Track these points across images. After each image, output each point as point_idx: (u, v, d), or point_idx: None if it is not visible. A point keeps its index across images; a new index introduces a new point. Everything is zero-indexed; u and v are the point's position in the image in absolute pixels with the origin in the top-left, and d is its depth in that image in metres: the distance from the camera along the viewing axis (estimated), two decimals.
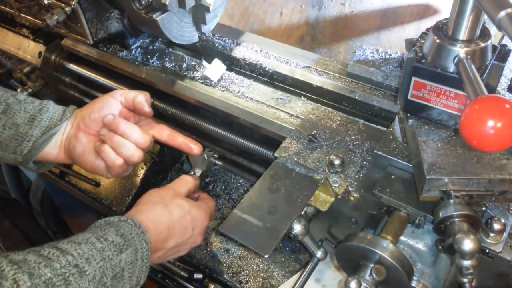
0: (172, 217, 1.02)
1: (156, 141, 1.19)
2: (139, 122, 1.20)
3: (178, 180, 1.14)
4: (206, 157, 1.30)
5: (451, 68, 0.86)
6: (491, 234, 0.87)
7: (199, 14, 1.33)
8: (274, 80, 1.38)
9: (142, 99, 1.15)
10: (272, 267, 1.35)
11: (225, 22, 1.81)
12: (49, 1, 1.40)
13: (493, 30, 0.88)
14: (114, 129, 1.09)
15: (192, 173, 1.30)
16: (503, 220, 0.89)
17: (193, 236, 1.07)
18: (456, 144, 0.91)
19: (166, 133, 1.17)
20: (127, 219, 0.93)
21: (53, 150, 1.14)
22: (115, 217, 0.94)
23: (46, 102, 1.14)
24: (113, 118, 1.10)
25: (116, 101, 1.15)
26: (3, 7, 1.61)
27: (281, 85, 1.37)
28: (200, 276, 1.44)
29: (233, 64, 1.44)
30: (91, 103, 1.16)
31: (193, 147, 1.17)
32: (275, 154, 1.10)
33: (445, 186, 0.86)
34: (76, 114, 1.16)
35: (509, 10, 0.66)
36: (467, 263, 0.80)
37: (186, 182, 1.14)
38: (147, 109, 1.15)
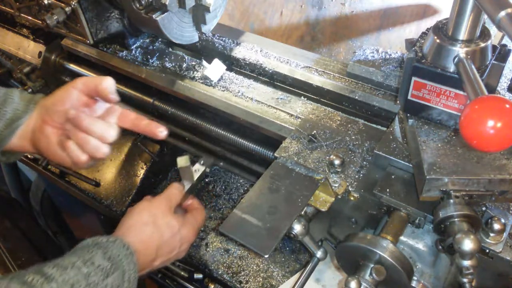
0: (162, 238, 1.01)
1: (156, 141, 1.18)
2: (105, 106, 1.13)
3: (166, 193, 1.10)
4: (194, 170, 1.20)
5: (451, 68, 0.86)
6: (491, 234, 0.87)
7: (199, 14, 1.33)
8: (274, 80, 1.38)
9: (105, 86, 1.06)
10: (272, 267, 1.35)
11: (225, 22, 1.81)
12: (49, 1, 1.40)
13: (493, 30, 0.88)
14: (77, 125, 1.04)
15: (182, 184, 1.19)
16: (503, 220, 0.89)
17: (179, 253, 1.07)
18: (456, 144, 0.91)
19: (130, 119, 1.10)
20: (116, 240, 0.92)
21: (19, 141, 1.11)
22: (104, 237, 0.92)
23: (11, 92, 1.09)
24: (76, 113, 1.04)
25: (78, 91, 1.09)
26: (3, 7, 1.61)
27: (281, 85, 1.37)
28: (200, 276, 1.44)
29: (233, 64, 1.44)
30: (54, 93, 1.10)
31: (159, 130, 1.08)
32: (275, 154, 1.10)
33: (445, 186, 0.86)
34: (41, 104, 1.11)
35: (509, 10, 0.66)
36: (467, 263, 0.80)
37: (174, 195, 1.11)
38: (112, 96, 1.07)
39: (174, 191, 1.11)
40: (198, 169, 1.19)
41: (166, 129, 1.09)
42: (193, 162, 1.19)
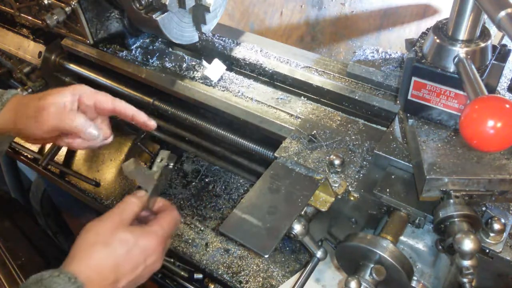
0: (116, 257, 0.89)
1: (156, 141, 1.16)
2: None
3: (120, 205, 0.98)
4: (155, 169, 1.06)
5: (451, 68, 0.86)
6: (491, 234, 0.87)
7: (199, 14, 1.33)
8: (274, 80, 1.38)
9: (88, 137, 1.05)
10: (272, 267, 1.35)
11: (225, 22, 1.81)
12: (49, 1, 1.40)
13: (493, 30, 0.88)
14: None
15: (144, 189, 1.06)
16: (503, 220, 0.89)
17: (148, 266, 0.95)
18: (456, 144, 0.91)
19: (109, 108, 1.09)
20: (60, 274, 0.82)
21: None
22: (48, 272, 0.83)
23: None
24: (67, 142, 1.08)
25: (54, 130, 1.05)
26: (3, 7, 1.61)
27: (281, 85, 1.37)
28: (200, 276, 1.44)
29: (233, 64, 1.44)
30: (27, 123, 1.05)
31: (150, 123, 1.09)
32: (275, 154, 1.10)
33: (445, 186, 0.86)
34: (15, 126, 1.06)
35: (509, 10, 0.66)
36: (467, 263, 0.80)
37: (130, 205, 0.97)
38: (97, 140, 1.08)
39: (129, 201, 0.98)
40: (158, 166, 1.05)
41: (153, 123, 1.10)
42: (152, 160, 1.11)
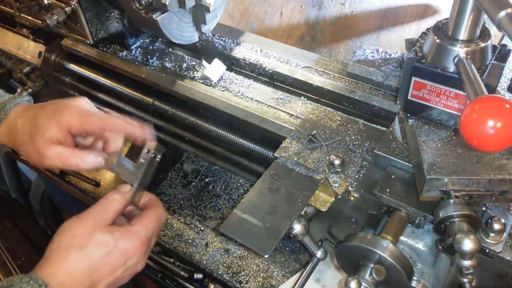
0: (92, 260, 0.84)
1: (156, 141, 1.15)
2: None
3: (102, 202, 0.92)
4: (141, 162, 0.98)
5: (451, 68, 0.86)
6: (491, 234, 0.87)
7: (199, 14, 1.33)
8: (274, 80, 1.38)
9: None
10: (272, 267, 1.35)
11: (225, 22, 1.81)
12: (49, 1, 1.40)
13: (493, 30, 0.88)
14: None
15: (129, 184, 0.99)
16: (503, 220, 0.89)
17: (129, 268, 0.90)
18: (456, 144, 0.91)
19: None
20: (30, 280, 0.78)
21: None
22: (18, 276, 0.79)
23: None
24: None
25: None
26: (3, 7, 1.61)
27: (281, 85, 1.37)
28: (200, 276, 1.44)
29: (233, 64, 1.44)
30: (29, 153, 1.01)
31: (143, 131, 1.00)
32: (275, 154, 1.10)
33: (445, 186, 0.86)
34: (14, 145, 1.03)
35: (509, 10, 0.66)
36: (467, 263, 0.80)
37: (112, 203, 0.92)
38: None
39: (112, 198, 0.93)
40: (144, 159, 0.97)
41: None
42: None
